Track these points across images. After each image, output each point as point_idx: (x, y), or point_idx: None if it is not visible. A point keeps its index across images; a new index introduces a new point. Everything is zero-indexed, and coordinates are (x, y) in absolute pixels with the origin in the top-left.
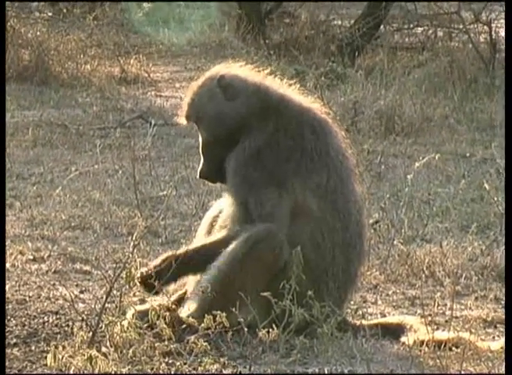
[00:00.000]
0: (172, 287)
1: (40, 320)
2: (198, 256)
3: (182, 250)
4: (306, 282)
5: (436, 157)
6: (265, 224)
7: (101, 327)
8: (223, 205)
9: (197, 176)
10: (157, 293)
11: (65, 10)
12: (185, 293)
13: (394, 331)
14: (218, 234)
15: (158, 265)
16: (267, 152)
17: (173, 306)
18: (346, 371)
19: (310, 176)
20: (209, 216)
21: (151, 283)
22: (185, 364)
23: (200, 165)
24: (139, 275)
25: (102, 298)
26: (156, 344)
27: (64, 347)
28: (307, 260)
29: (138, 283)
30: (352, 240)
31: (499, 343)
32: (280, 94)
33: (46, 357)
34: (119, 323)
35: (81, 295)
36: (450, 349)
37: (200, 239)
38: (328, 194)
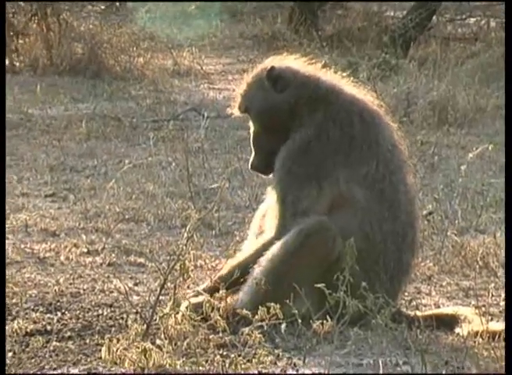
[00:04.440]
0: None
1: (95, 313)
2: (242, 271)
3: (223, 270)
4: (357, 272)
5: (490, 147)
6: (318, 217)
7: (156, 320)
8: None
9: (249, 168)
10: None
11: (117, 3)
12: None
13: (448, 322)
14: (256, 243)
15: (207, 290)
16: (316, 145)
17: (227, 298)
18: (400, 362)
19: (358, 167)
20: (262, 209)
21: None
22: (239, 356)
23: (252, 157)
24: (190, 304)
25: (156, 290)
26: (210, 336)
27: (118, 339)
28: (357, 250)
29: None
30: (403, 230)
31: None
32: (331, 84)
33: (100, 350)
34: (173, 316)
35: (135, 288)
36: (505, 340)
37: (248, 244)
38: (375, 183)
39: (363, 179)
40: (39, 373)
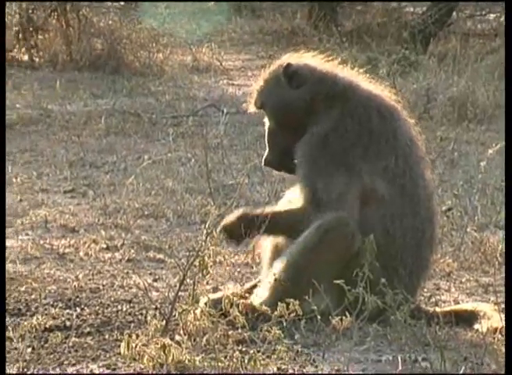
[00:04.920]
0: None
1: (114, 309)
2: (275, 220)
3: (259, 210)
4: (376, 268)
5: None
6: (336, 212)
7: (175, 316)
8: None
9: (262, 164)
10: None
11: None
12: (258, 281)
13: (468, 318)
14: (294, 205)
15: (238, 218)
16: (333, 138)
17: (246, 294)
18: (419, 358)
19: (377, 161)
20: (281, 205)
21: (238, 233)
22: (258, 352)
23: (265, 152)
24: (222, 224)
25: (176, 286)
26: (229, 332)
27: (137, 335)
28: (377, 246)
29: (223, 233)
30: (422, 225)
31: None
32: (348, 81)
33: (119, 346)
34: (192, 312)
35: (154, 284)
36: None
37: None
38: (396, 178)
39: (383, 173)
40: (58, 368)
